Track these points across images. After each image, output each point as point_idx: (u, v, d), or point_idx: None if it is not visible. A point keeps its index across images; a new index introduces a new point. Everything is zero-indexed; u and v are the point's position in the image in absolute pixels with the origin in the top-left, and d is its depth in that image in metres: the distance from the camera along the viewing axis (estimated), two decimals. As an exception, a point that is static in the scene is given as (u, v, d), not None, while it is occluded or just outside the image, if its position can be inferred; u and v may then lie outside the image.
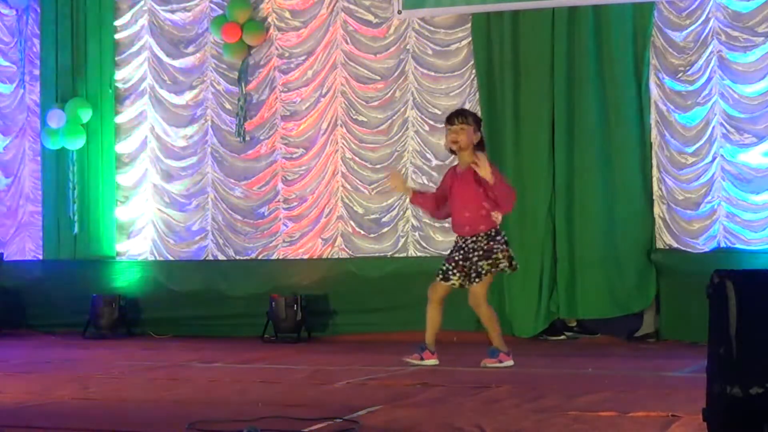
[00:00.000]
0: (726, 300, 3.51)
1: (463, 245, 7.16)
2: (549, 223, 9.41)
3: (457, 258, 7.16)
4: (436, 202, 7.40)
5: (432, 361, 7.18)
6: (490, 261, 7.10)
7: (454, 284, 7.16)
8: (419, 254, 9.83)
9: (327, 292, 10.01)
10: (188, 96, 10.79)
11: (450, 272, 7.15)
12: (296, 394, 5.74)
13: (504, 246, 7.16)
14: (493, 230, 7.15)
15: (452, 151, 7.37)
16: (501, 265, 7.16)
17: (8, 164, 11.40)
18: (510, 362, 7.07)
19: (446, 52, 9.92)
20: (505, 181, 7.27)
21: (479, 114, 9.56)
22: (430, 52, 9.97)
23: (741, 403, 3.44)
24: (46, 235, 11.12)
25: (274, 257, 10.45)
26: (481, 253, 7.09)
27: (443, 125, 7.49)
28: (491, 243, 7.11)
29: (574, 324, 9.52)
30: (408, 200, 7.38)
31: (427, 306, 7.26)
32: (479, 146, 7.23)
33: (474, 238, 7.13)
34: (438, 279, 7.20)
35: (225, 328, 10.17)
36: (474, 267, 7.08)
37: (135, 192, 10.96)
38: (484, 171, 6.94)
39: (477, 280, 7.07)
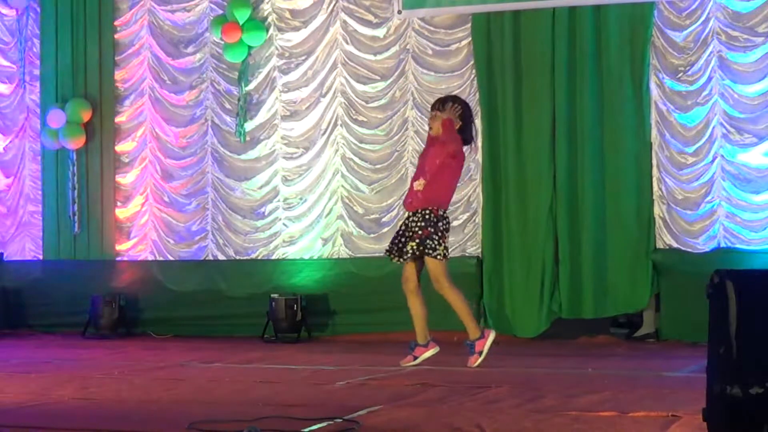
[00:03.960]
0: (726, 300, 3.51)
1: (406, 220, 7.22)
2: (550, 223, 9.41)
3: (399, 231, 7.24)
4: None
5: (430, 352, 7.17)
6: (417, 244, 7.04)
7: (391, 258, 7.19)
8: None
9: (327, 292, 10.01)
10: (188, 96, 10.79)
11: (392, 247, 7.20)
12: (296, 394, 5.74)
13: (441, 234, 7.07)
14: (429, 212, 7.06)
15: None
16: (434, 253, 7.03)
17: (8, 164, 11.40)
18: (484, 346, 7.02)
19: (446, 52, 9.93)
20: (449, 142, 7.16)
21: (480, 112, 9.63)
22: (430, 52, 9.97)
23: (741, 403, 3.44)
24: (46, 235, 11.12)
25: (274, 257, 10.45)
26: (412, 233, 7.08)
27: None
28: (429, 229, 7.04)
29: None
30: None
31: (407, 301, 7.24)
32: (462, 133, 7.22)
33: (412, 216, 7.13)
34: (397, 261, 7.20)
35: (225, 328, 10.17)
36: (404, 245, 7.09)
37: (135, 192, 10.96)
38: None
39: (403, 258, 7.08)
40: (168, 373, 6.89)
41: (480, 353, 7.02)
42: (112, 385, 6.15)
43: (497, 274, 9.54)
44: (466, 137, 7.29)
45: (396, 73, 10.07)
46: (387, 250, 7.25)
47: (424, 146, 7.55)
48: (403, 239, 7.14)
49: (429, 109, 9.65)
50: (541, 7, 9.50)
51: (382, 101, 10.12)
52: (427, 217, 7.06)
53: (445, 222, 7.14)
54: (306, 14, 10.40)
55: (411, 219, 7.14)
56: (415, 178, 7.22)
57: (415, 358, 7.17)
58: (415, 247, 7.05)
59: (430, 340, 7.24)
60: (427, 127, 9.31)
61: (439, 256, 7.03)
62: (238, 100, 10.52)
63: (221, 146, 10.65)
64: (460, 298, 7.19)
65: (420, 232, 7.04)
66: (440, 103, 7.31)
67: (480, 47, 9.73)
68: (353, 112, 10.20)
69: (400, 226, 7.28)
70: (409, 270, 7.15)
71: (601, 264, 9.26)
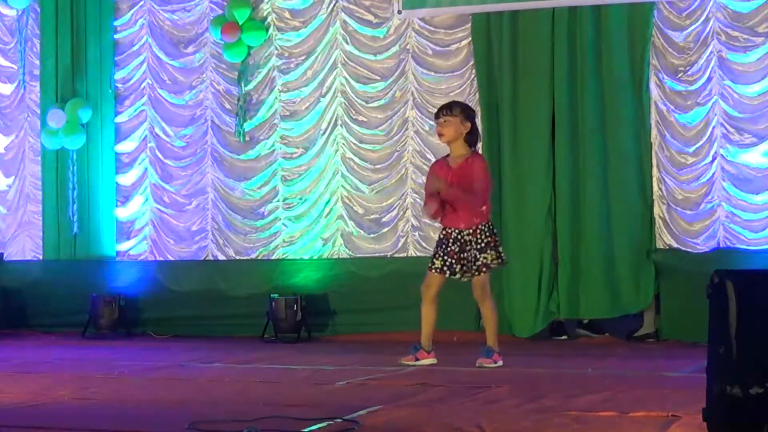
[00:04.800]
0: (726, 300, 3.50)
1: (459, 237, 7.12)
2: (549, 223, 9.41)
3: (455, 250, 7.11)
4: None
5: (428, 361, 7.17)
6: (494, 253, 7.09)
7: (455, 277, 7.12)
8: (419, 254, 9.81)
9: (327, 292, 10.01)
10: (188, 96, 10.79)
11: (453, 265, 7.09)
12: (296, 394, 5.74)
13: (498, 239, 7.23)
14: (490, 223, 7.18)
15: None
16: (501, 258, 7.15)
17: (8, 164, 11.40)
18: (500, 362, 7.07)
19: (446, 52, 9.93)
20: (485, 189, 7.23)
21: (480, 112, 9.62)
22: (430, 52, 9.97)
23: (741, 403, 3.44)
24: (46, 235, 11.12)
25: (274, 257, 10.45)
26: (482, 245, 7.07)
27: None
28: (492, 236, 7.12)
29: (587, 321, 9.51)
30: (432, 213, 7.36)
31: (421, 304, 7.22)
32: (471, 135, 7.24)
33: (470, 231, 7.10)
34: (433, 272, 7.15)
35: (225, 328, 10.17)
36: (475, 260, 7.06)
37: (135, 192, 10.96)
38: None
39: (481, 271, 7.06)
40: (168, 373, 6.89)
41: (479, 366, 7.00)
42: (112, 385, 6.15)
43: (497, 273, 9.52)
44: (475, 139, 7.33)
45: (396, 73, 10.07)
46: (444, 270, 7.10)
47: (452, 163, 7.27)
48: (464, 254, 7.09)
49: (429, 110, 9.75)
50: (540, 7, 9.50)
51: (382, 101, 10.12)
52: (490, 226, 7.16)
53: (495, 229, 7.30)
54: (306, 14, 10.40)
55: (467, 234, 7.10)
56: (463, 200, 7.09)
57: (417, 359, 7.17)
58: (490, 259, 7.06)
59: (433, 349, 7.25)
60: (426, 127, 9.35)
61: (504, 261, 7.20)
62: (238, 100, 10.53)
63: (221, 146, 10.65)
64: (496, 313, 7.25)
65: (491, 243, 7.09)
66: (448, 109, 7.24)
67: (480, 47, 9.73)
68: (353, 112, 10.20)
69: (450, 245, 7.11)
70: (437, 278, 7.16)
71: (601, 264, 9.25)
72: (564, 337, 9.50)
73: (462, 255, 7.12)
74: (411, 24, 10.02)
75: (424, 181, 9.62)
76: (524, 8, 9.56)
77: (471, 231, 7.11)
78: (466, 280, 7.17)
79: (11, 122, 11.41)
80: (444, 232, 7.24)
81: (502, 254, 7.18)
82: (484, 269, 7.08)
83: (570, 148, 9.39)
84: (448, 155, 7.35)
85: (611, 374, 6.60)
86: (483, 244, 7.09)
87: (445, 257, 7.16)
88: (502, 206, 9.53)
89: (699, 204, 9.12)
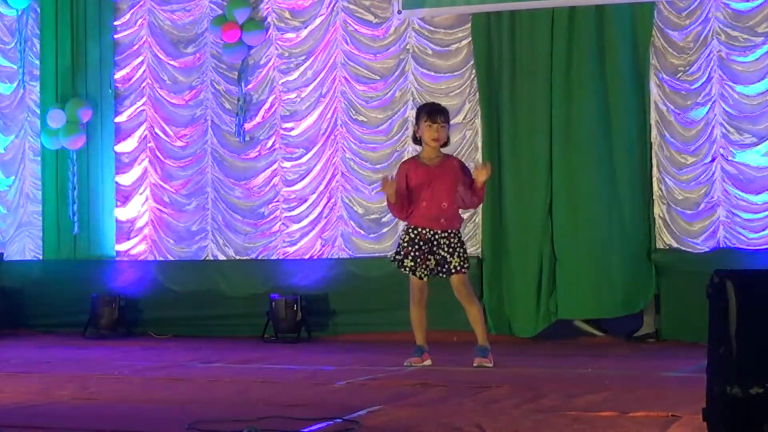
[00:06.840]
0: (726, 300, 3.50)
1: (432, 238, 7.07)
2: (548, 223, 9.41)
3: (425, 250, 7.07)
4: (402, 202, 7.26)
5: (428, 362, 7.18)
6: (461, 260, 7.07)
7: (421, 277, 7.11)
8: (419, 254, 9.79)
9: (327, 292, 10.01)
10: (188, 96, 10.79)
11: (426, 263, 7.07)
12: (296, 394, 5.74)
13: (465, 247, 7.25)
14: (460, 228, 7.23)
15: (417, 141, 7.31)
16: (467, 265, 7.15)
17: (8, 164, 11.40)
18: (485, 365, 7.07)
19: (446, 52, 9.93)
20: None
21: (480, 112, 9.66)
22: (430, 52, 9.97)
23: (741, 403, 3.44)
24: (46, 235, 11.12)
25: (274, 257, 10.45)
26: (452, 249, 7.05)
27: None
28: (462, 243, 7.13)
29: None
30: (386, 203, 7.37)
31: (414, 307, 7.20)
32: (446, 143, 7.33)
33: (447, 233, 7.09)
34: (416, 277, 7.11)
35: (225, 328, 10.17)
36: (445, 261, 7.04)
37: (135, 192, 10.96)
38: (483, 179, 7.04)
39: (451, 273, 7.04)
40: (168, 373, 6.89)
41: (478, 366, 7.00)
42: (112, 385, 6.15)
43: (497, 274, 9.54)
44: (446, 145, 7.40)
45: (396, 73, 10.07)
46: (416, 271, 7.10)
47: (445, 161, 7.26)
48: (434, 256, 7.06)
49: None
50: (540, 7, 9.50)
51: (382, 101, 10.12)
52: (460, 233, 7.19)
53: None
54: (306, 14, 10.40)
55: (441, 236, 7.08)
56: (452, 200, 7.10)
57: (423, 361, 7.15)
58: (458, 263, 7.05)
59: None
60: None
61: (468, 270, 7.17)
62: (238, 100, 10.53)
63: (221, 146, 10.65)
64: (481, 309, 7.25)
65: (460, 248, 7.10)
66: (446, 115, 7.24)
67: (480, 47, 9.73)
68: (353, 112, 10.20)
69: (422, 245, 7.08)
70: (422, 282, 7.15)
71: (601, 264, 9.25)
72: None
73: (429, 255, 7.08)
74: (411, 24, 10.02)
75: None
76: (524, 8, 9.56)
77: (447, 233, 7.10)
78: (426, 279, 7.12)
79: (11, 122, 11.41)
80: (415, 231, 7.12)
81: (467, 263, 7.14)
82: (453, 271, 7.06)
83: (569, 148, 9.38)
84: (416, 156, 7.34)
85: (611, 374, 6.60)
86: (452, 249, 7.07)
87: (417, 258, 7.09)
88: (501, 206, 9.54)
89: (699, 204, 9.12)
